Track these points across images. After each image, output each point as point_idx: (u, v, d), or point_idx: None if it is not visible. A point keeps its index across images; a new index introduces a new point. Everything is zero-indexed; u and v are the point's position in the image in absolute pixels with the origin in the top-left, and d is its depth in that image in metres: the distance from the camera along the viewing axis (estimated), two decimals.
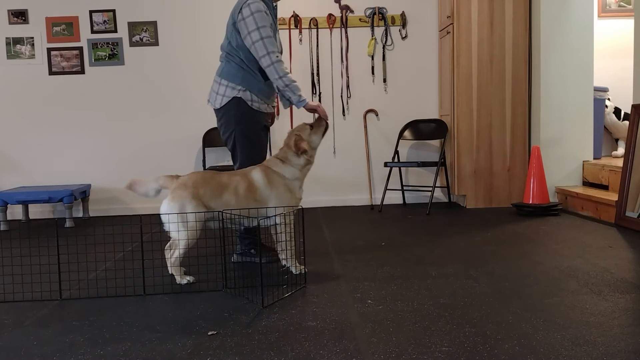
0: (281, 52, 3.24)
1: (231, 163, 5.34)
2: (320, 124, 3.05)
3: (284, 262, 2.98)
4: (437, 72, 5.43)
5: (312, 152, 3.00)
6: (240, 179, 2.90)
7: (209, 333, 2.16)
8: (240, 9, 3.02)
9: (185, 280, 2.85)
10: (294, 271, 2.92)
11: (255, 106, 3.16)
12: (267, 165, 2.96)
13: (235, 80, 3.12)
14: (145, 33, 5.33)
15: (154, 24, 5.33)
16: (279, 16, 5.30)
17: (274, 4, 3.20)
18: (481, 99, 4.95)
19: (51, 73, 5.35)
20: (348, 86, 5.42)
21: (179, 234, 2.78)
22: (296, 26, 5.35)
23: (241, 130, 3.13)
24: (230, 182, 2.88)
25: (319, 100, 5.40)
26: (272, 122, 3.45)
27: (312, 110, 3.13)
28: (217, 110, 3.21)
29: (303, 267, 2.90)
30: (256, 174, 2.92)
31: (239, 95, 3.11)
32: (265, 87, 3.18)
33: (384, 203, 5.22)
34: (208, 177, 2.90)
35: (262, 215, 2.87)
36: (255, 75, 3.13)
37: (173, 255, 2.86)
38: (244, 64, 3.12)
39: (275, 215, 2.83)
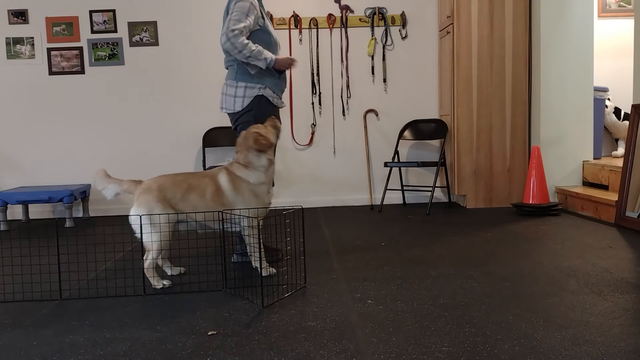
0: (279, 46, 3.26)
1: None
2: (275, 123, 3.05)
3: (255, 265, 2.99)
4: (437, 72, 5.43)
5: (272, 151, 2.99)
6: (208, 182, 2.89)
7: (209, 333, 2.16)
8: (228, 3, 3.10)
9: (161, 284, 2.81)
10: (263, 273, 2.89)
11: (275, 102, 3.20)
12: (232, 170, 2.94)
13: (252, 79, 3.12)
14: (145, 33, 5.33)
15: (154, 24, 5.33)
16: (279, 16, 5.36)
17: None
18: (481, 99, 4.95)
19: (51, 73, 5.35)
20: (348, 86, 5.42)
21: (151, 236, 2.73)
22: (296, 26, 5.35)
23: None
24: (199, 184, 2.87)
25: (319, 101, 5.40)
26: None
27: (285, 65, 3.11)
28: (235, 114, 3.19)
29: (273, 269, 2.95)
30: (222, 178, 2.91)
31: (261, 93, 3.12)
32: (280, 81, 3.21)
33: (384, 203, 5.22)
34: (176, 179, 2.87)
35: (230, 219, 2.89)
36: (270, 71, 3.14)
37: (147, 259, 2.81)
38: None
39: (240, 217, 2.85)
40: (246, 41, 2.99)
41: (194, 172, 2.99)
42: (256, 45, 3.03)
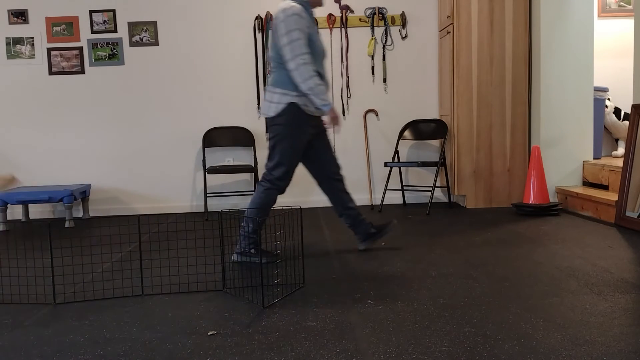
0: (324, 55, 3.23)
1: (231, 163, 5.38)
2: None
3: None
4: (437, 72, 5.43)
5: None
6: None
7: (209, 333, 2.16)
8: (277, 14, 3.08)
9: None
10: None
11: (310, 110, 3.17)
12: None
13: (288, 86, 3.12)
14: (145, 33, 5.33)
15: (154, 24, 5.33)
16: None
17: (312, 10, 3.22)
18: (481, 99, 4.95)
19: (51, 73, 5.35)
20: (348, 86, 5.42)
21: None
22: None
23: (288, 133, 3.13)
24: None
25: None
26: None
27: (332, 118, 3.13)
28: (270, 119, 3.19)
29: None
30: None
31: (294, 101, 3.12)
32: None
33: (384, 203, 5.22)
34: None
35: None
36: None
37: None
38: None
39: None
40: (313, 73, 3.02)
41: None
42: (322, 82, 3.04)
